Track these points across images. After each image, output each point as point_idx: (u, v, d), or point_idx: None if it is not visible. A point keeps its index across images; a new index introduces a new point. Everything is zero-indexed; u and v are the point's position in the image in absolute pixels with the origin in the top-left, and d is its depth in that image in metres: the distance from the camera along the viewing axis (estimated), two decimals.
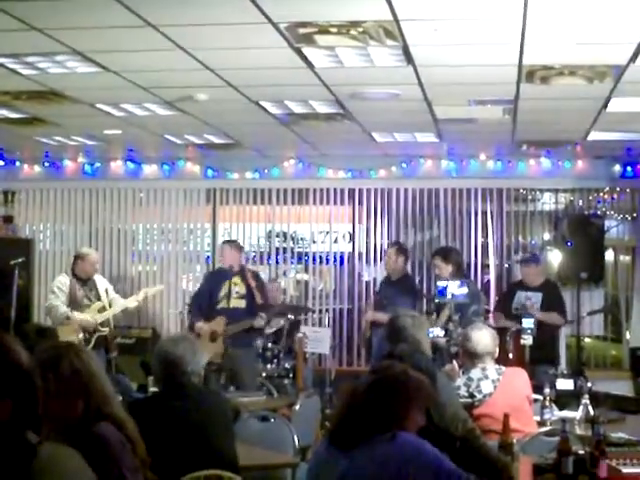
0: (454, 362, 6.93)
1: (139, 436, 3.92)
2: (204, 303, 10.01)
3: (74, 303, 9.76)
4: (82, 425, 3.74)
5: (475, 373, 6.09)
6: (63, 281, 9.95)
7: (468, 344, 6.19)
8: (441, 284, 9.12)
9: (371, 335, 10.22)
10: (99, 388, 3.85)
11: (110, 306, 9.97)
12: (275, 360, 10.19)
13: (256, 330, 9.95)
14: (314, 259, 12.95)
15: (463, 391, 5.98)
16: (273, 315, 10.43)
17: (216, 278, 10.18)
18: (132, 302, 10.18)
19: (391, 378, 3.88)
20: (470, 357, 6.20)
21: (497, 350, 6.30)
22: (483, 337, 6.20)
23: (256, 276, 10.27)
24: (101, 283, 10.09)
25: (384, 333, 5.63)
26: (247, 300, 9.89)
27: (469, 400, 5.92)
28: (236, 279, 9.90)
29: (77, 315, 9.63)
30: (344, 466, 3.74)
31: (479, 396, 5.97)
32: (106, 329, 9.81)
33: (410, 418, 3.80)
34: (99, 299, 9.90)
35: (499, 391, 6.00)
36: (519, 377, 6.28)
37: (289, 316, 10.74)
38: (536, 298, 9.89)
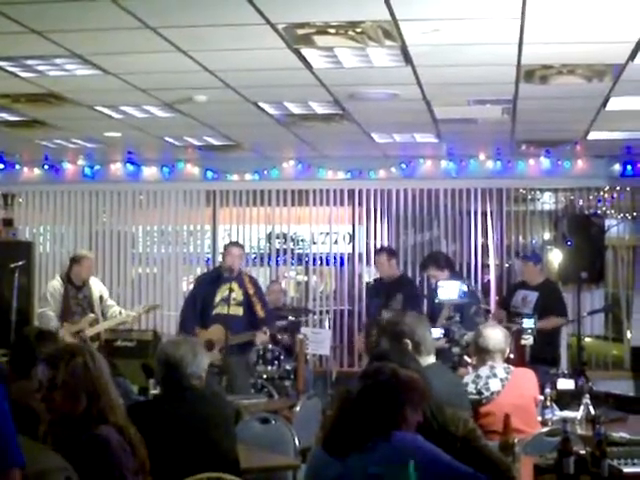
0: (468, 368, 6.90)
1: (140, 440, 3.93)
2: (198, 308, 9.55)
3: (66, 311, 9.65)
4: (83, 425, 3.77)
5: (483, 371, 6.10)
6: (56, 287, 9.79)
7: (480, 340, 6.20)
8: (441, 285, 9.13)
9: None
10: (105, 393, 3.88)
11: (103, 314, 9.88)
12: (276, 362, 10.13)
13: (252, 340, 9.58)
14: (314, 260, 12.94)
15: (471, 388, 5.99)
16: (277, 330, 10.24)
17: (209, 282, 9.74)
18: (126, 319, 10.00)
19: (381, 384, 3.83)
20: (480, 353, 6.20)
21: (508, 350, 6.31)
22: (495, 334, 6.22)
23: (254, 282, 9.81)
24: (96, 288, 9.96)
25: (383, 335, 5.61)
26: (245, 307, 9.45)
27: (476, 397, 5.93)
28: (233, 284, 9.38)
29: (66, 333, 9.43)
30: (337, 472, 3.73)
31: (486, 393, 5.97)
32: (96, 343, 9.56)
33: (406, 420, 3.77)
34: (92, 309, 9.79)
35: (507, 390, 6.01)
36: (527, 378, 6.29)
37: (290, 318, 10.75)
38: (532, 297, 9.93)
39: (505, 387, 6.02)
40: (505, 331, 6.42)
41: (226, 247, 9.94)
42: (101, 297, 9.98)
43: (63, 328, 9.45)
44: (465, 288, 8.91)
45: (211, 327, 9.32)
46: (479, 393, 5.98)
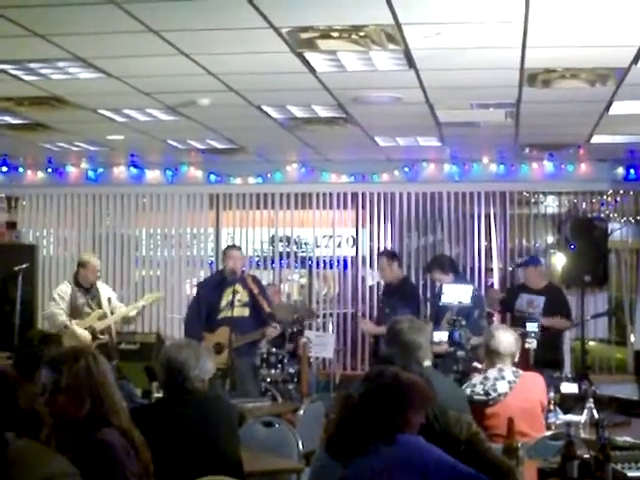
0: (481, 372, 6.88)
1: (143, 443, 3.92)
2: (203, 314, 9.46)
3: (75, 311, 9.69)
4: (87, 428, 3.76)
5: (492, 373, 6.11)
6: (64, 289, 9.86)
7: (491, 342, 6.20)
8: (446, 288, 9.12)
9: (377, 341, 10.17)
10: (109, 396, 3.87)
11: (112, 314, 9.92)
12: (279, 365, 10.12)
13: (260, 339, 9.60)
14: (318, 263, 12.93)
15: (479, 389, 6.01)
16: (287, 325, 10.20)
17: (212, 286, 9.65)
18: (132, 310, 10.06)
19: (383, 387, 3.83)
20: (490, 355, 6.20)
21: (518, 354, 6.30)
22: (507, 337, 6.22)
23: (256, 280, 9.72)
24: (104, 291, 9.99)
25: (384, 339, 5.65)
26: (251, 307, 9.36)
27: (484, 398, 5.94)
28: (237, 286, 9.24)
29: (75, 326, 9.54)
30: (341, 476, 3.72)
31: (494, 395, 5.97)
32: (106, 336, 9.67)
33: (409, 423, 3.76)
34: (100, 308, 9.83)
35: (514, 393, 6.01)
36: (535, 382, 6.29)
37: (295, 316, 10.71)
38: (539, 301, 9.90)
39: (513, 390, 6.02)
40: (516, 335, 6.41)
41: (226, 251, 9.86)
42: (109, 299, 10.00)
43: (72, 323, 9.51)
44: (471, 292, 8.92)
45: (218, 330, 9.28)
46: (486, 394, 5.99)
